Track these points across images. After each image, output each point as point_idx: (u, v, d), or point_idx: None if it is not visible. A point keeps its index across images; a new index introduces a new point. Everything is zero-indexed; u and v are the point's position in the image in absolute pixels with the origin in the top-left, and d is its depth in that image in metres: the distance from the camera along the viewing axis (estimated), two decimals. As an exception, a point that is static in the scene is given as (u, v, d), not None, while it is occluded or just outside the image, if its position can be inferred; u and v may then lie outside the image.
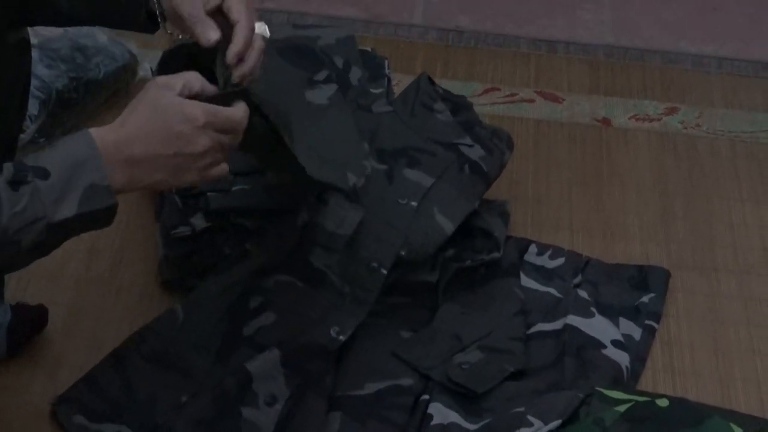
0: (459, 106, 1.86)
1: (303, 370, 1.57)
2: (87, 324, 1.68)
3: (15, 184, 1.20)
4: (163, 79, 1.30)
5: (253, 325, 1.60)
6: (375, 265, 1.62)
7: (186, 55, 1.70)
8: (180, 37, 1.44)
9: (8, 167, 1.21)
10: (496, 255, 1.73)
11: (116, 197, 1.25)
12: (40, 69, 1.89)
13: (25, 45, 1.43)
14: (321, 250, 1.63)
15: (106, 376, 1.58)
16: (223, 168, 1.32)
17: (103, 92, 1.98)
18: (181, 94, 1.28)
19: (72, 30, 1.97)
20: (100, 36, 2.00)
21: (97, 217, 1.25)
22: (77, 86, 1.93)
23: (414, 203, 1.67)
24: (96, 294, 1.72)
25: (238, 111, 1.31)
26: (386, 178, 1.71)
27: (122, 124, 1.27)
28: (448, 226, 1.67)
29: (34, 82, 1.86)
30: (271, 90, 1.56)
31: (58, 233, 1.24)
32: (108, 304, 1.71)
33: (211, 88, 1.32)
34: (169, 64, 1.56)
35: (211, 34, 1.37)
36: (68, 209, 1.22)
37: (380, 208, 1.66)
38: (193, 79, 1.31)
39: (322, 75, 1.79)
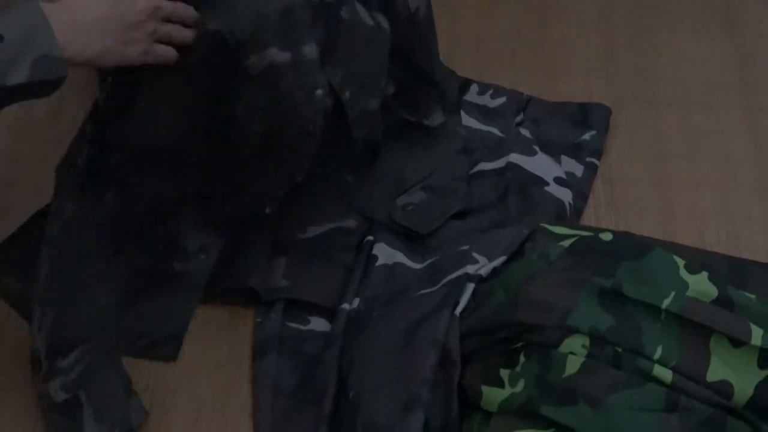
0: None
1: (236, 217, 1.56)
2: (28, 171, 1.66)
3: None
4: None
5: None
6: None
7: None
8: None
9: None
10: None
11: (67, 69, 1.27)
12: None
13: None
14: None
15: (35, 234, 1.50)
16: (169, 51, 1.39)
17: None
18: None
19: None
20: None
21: (46, 86, 1.26)
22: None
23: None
24: (36, 142, 1.70)
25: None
26: None
27: None
28: None
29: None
30: None
31: (4, 98, 1.25)
32: (48, 153, 1.68)
33: None
34: None
35: None
36: (20, 75, 1.22)
37: None
38: None
39: None
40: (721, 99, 1.89)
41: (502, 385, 1.36)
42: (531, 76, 1.87)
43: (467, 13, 1.98)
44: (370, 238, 1.57)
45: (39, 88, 1.25)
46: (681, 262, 1.38)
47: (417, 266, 1.54)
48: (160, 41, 1.38)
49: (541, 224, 1.50)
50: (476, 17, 1.97)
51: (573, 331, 1.33)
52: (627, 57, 1.94)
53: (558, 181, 1.66)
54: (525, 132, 1.74)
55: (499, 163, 1.68)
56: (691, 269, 1.38)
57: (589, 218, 1.69)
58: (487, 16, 1.98)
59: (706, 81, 1.92)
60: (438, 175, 1.65)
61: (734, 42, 2.00)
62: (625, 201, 1.72)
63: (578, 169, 1.72)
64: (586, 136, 1.76)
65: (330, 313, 1.51)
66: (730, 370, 1.31)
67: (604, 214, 1.70)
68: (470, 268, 1.46)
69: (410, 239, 1.58)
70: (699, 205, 1.73)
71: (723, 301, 1.35)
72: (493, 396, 1.36)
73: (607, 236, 1.43)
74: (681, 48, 1.97)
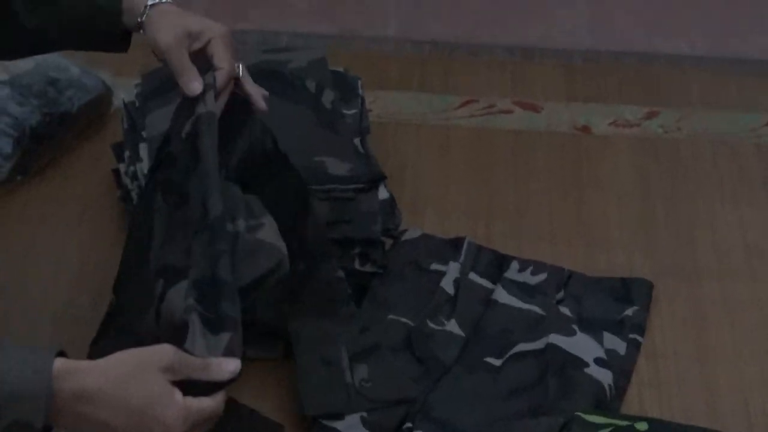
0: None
1: None
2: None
3: None
4: (172, 357, 1.22)
5: None
6: None
7: (160, 79, 1.72)
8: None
9: None
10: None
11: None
12: (11, 107, 1.88)
13: None
14: None
15: None
16: None
17: (78, 124, 1.97)
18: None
19: (43, 64, 1.96)
20: (72, 68, 1.99)
21: None
22: (51, 121, 1.92)
23: None
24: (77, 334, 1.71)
25: (218, 401, 1.24)
26: None
27: (96, 378, 1.18)
28: None
29: (6, 120, 1.86)
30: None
31: None
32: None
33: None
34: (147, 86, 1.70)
35: (195, 85, 1.42)
36: None
37: None
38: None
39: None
40: (761, 267, 1.88)
41: None
42: (570, 249, 1.88)
43: (504, 187, 2.00)
44: (408, 425, 1.56)
45: None
46: (720, 450, 1.37)
47: (455, 456, 1.53)
48: None
49: (577, 413, 1.49)
50: (514, 193, 1.99)
51: None
52: (665, 228, 1.94)
53: (598, 362, 1.65)
54: (565, 310, 1.73)
55: (539, 344, 1.67)
56: (731, 456, 1.36)
57: (631, 397, 1.67)
58: (523, 191, 1.99)
59: (745, 249, 1.91)
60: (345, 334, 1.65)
61: (773, 207, 2.00)
62: (668, 377, 1.70)
63: (621, 347, 1.70)
64: (629, 311, 1.75)
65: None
66: None
67: (647, 392, 1.68)
68: (507, 461, 1.45)
69: (448, 425, 1.57)
70: (744, 377, 1.71)
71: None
72: None
73: (642, 426, 1.43)
74: (719, 216, 1.97)
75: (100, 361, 1.19)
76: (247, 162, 1.54)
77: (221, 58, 1.42)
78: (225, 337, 1.26)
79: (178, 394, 1.20)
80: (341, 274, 1.67)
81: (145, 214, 1.53)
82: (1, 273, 1.76)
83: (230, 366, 1.24)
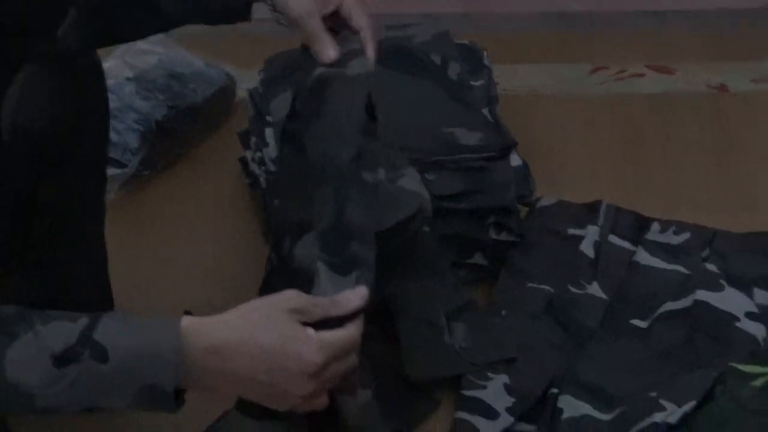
0: None
1: None
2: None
3: (62, 360, 1.09)
4: (298, 300, 1.17)
5: None
6: None
7: (283, 64, 1.69)
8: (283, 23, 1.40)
9: (72, 329, 1.10)
10: None
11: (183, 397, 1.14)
12: (137, 102, 1.88)
13: (97, 69, 1.39)
14: None
15: None
16: (323, 401, 1.18)
17: (204, 117, 1.96)
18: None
19: (166, 60, 1.96)
20: (195, 61, 1.98)
21: (152, 409, 1.14)
22: (176, 114, 1.91)
23: None
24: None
25: (352, 330, 1.18)
26: None
27: (225, 331, 1.14)
28: None
29: (132, 115, 1.86)
30: None
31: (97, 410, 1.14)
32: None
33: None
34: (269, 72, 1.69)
35: (330, 52, 1.36)
36: (118, 401, 1.12)
37: None
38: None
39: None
40: None
41: None
42: (714, 213, 1.81)
43: (642, 155, 1.95)
44: (555, 390, 1.51)
45: (141, 409, 1.13)
46: None
47: (605, 417, 1.47)
48: None
49: (732, 364, 1.42)
50: (651, 159, 1.94)
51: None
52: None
53: (749, 315, 1.58)
54: (712, 267, 1.66)
55: (686, 302, 1.60)
56: None
57: (788, 353, 1.59)
58: (661, 156, 1.94)
59: None
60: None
61: None
62: (825, 332, 1.62)
63: (773, 302, 1.63)
64: (780, 266, 1.68)
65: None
66: None
67: (806, 348, 1.60)
68: (658, 416, 1.38)
69: (597, 389, 1.51)
70: None
71: None
72: None
73: (802, 372, 1.35)
74: None
75: (226, 314, 1.16)
76: None
77: (359, 17, 1.38)
78: (355, 275, 1.22)
79: (309, 330, 1.15)
80: (427, 228, 1.60)
81: (279, 170, 1.51)
82: (137, 271, 1.75)
83: (357, 294, 1.20)
